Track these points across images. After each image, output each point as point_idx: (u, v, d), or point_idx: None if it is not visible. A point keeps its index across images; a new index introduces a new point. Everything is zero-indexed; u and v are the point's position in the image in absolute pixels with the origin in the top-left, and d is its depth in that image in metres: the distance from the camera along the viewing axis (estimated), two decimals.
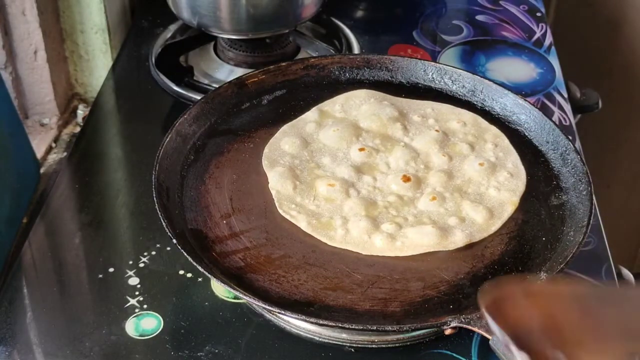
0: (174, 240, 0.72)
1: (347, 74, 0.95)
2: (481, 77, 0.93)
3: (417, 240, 0.75)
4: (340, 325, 0.68)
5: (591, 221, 0.75)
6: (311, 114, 0.89)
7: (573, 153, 0.83)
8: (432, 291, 0.72)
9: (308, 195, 0.80)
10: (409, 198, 0.80)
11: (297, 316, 0.69)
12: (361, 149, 0.84)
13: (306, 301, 0.71)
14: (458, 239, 0.76)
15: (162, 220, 0.73)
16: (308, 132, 0.86)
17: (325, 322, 0.68)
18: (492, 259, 0.75)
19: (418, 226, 0.76)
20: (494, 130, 0.88)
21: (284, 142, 0.85)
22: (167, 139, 0.82)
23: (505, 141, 0.86)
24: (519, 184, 0.81)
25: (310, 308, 0.70)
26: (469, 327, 0.66)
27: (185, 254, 0.71)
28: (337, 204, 0.79)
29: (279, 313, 0.71)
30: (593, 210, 0.76)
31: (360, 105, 0.90)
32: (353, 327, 0.68)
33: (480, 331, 0.66)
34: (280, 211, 0.78)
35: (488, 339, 0.65)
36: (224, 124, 0.88)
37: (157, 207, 0.75)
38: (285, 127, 0.87)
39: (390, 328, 0.70)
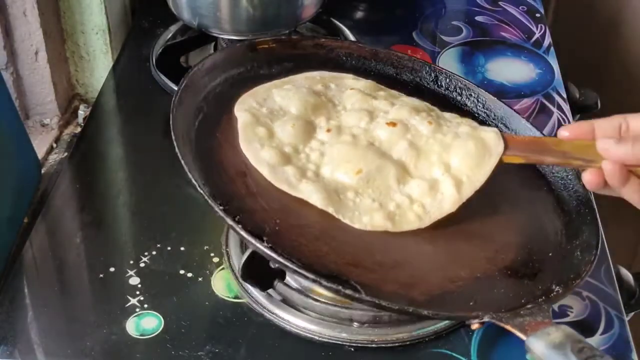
0: (195, 183, 0.68)
1: (353, 62, 0.94)
2: (502, 102, 0.89)
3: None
4: (376, 301, 0.65)
5: (599, 243, 0.74)
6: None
7: (575, 180, 0.81)
8: (450, 285, 0.71)
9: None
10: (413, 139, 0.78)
11: (333, 285, 0.65)
12: (328, 130, 0.79)
13: (329, 274, 0.68)
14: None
15: (180, 159, 0.70)
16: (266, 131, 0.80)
17: (360, 297, 0.65)
18: (505, 265, 0.74)
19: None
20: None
21: (262, 153, 0.77)
22: (182, 86, 0.79)
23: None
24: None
25: (335, 282, 0.67)
26: (502, 324, 0.66)
27: (204, 195, 0.68)
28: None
29: (314, 281, 0.66)
30: (600, 233, 0.76)
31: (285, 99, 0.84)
32: (390, 305, 0.66)
33: (513, 330, 0.65)
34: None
35: (486, 340, 0.66)
36: (233, 85, 0.86)
37: (177, 150, 0.71)
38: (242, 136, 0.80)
39: (426, 313, 0.68)
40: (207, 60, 0.85)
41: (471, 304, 0.70)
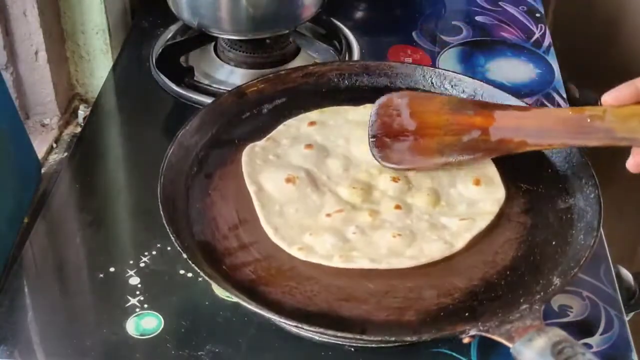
0: (185, 255, 0.71)
1: (346, 81, 0.95)
2: (481, 81, 0.93)
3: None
4: (358, 337, 0.68)
5: (601, 223, 0.75)
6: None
7: (578, 156, 0.82)
8: (446, 299, 0.72)
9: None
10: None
11: (314, 329, 0.68)
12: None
13: (321, 313, 0.70)
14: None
15: (170, 235, 0.73)
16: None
17: (344, 335, 0.68)
18: (504, 265, 0.75)
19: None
20: None
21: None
22: (170, 151, 0.81)
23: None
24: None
25: (326, 320, 0.69)
26: (488, 335, 0.66)
27: (197, 268, 0.71)
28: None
29: (295, 326, 0.70)
30: (602, 213, 0.76)
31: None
32: (372, 338, 0.69)
33: (500, 339, 0.66)
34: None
35: (487, 340, 0.66)
36: (226, 135, 0.88)
37: (164, 221, 0.74)
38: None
39: (409, 339, 0.69)
40: (195, 119, 0.86)
41: (466, 314, 0.70)
